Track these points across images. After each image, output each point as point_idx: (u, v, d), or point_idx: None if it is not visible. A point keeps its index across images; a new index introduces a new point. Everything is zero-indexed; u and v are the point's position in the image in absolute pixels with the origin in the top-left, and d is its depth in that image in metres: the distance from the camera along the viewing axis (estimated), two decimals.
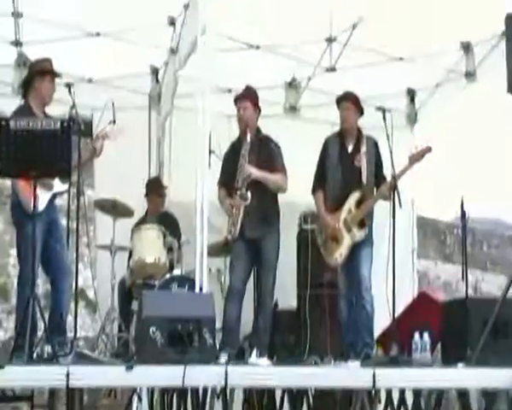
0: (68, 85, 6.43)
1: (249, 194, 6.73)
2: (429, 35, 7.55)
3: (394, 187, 6.44)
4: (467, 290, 6.38)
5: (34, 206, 5.96)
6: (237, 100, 7.04)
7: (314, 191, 7.05)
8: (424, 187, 9.24)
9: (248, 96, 7.01)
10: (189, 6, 7.11)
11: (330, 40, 7.88)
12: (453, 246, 14.91)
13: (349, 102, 6.96)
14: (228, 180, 6.97)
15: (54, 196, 6.49)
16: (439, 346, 6.64)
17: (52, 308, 6.48)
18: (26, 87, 6.71)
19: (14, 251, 11.53)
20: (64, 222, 6.86)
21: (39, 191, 6.23)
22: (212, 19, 6.58)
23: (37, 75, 6.58)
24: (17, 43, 7.86)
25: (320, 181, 7.02)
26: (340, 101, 7.02)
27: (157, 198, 8.17)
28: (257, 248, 6.85)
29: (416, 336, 6.32)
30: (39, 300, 5.87)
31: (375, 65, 8.09)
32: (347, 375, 5.76)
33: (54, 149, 5.81)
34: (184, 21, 7.31)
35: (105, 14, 7.51)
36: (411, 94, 8.95)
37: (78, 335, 6.19)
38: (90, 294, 10.68)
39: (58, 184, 6.41)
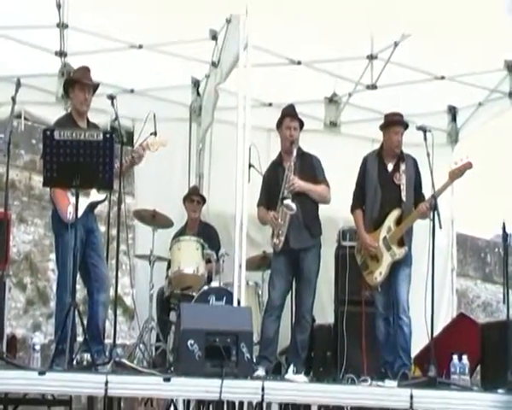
0: (111, 97, 6.50)
1: (294, 204, 6.75)
2: (472, 54, 7.53)
3: (435, 207, 6.40)
4: (508, 312, 6.27)
5: (76, 215, 6.06)
6: (288, 118, 7.07)
7: (353, 210, 7.07)
8: (464, 204, 9.19)
9: (297, 116, 7.08)
10: (231, 20, 7.15)
11: (371, 57, 7.87)
12: (494, 265, 14.69)
13: (403, 127, 6.94)
14: (269, 199, 7.02)
15: (91, 206, 6.56)
16: (478, 368, 6.57)
17: (89, 318, 6.56)
18: (66, 97, 6.85)
19: (53, 256, 11.71)
20: (103, 230, 6.92)
21: (74, 201, 6.34)
22: (253, 33, 6.61)
23: (68, 85, 6.76)
24: (61, 54, 7.95)
25: (359, 200, 7.03)
26: (396, 125, 6.95)
27: (194, 205, 8.17)
28: (298, 262, 6.89)
29: (455, 358, 6.26)
30: (79, 307, 5.95)
31: (417, 83, 8.09)
32: (384, 394, 5.74)
33: (96, 159, 5.87)
34: (226, 36, 7.35)
35: (148, 27, 7.58)
36: (453, 112, 8.90)
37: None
38: (127, 301, 10.78)
39: (95, 194, 6.49)
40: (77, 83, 6.66)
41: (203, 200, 8.27)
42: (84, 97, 6.61)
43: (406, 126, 6.99)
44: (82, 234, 6.44)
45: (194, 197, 8.21)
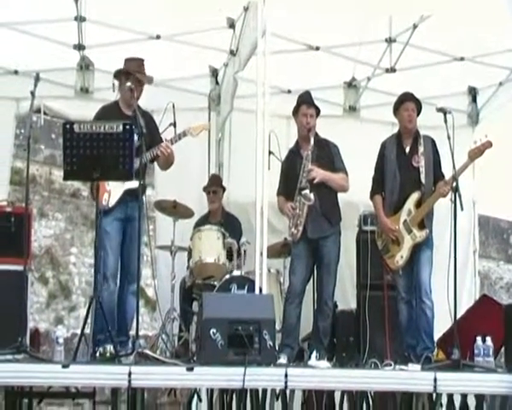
0: (130, 89, 6.53)
1: (312, 195, 6.74)
2: (491, 33, 7.46)
3: (456, 189, 6.36)
4: None
5: (97, 203, 6.17)
6: (305, 105, 7.03)
7: (372, 196, 7.04)
8: (486, 186, 9.11)
9: (313, 103, 7.05)
10: (248, 8, 7.12)
11: (390, 40, 7.81)
12: None
13: (413, 102, 6.94)
14: (288, 188, 7.00)
15: (130, 193, 6.52)
16: (502, 350, 6.53)
17: (118, 307, 6.60)
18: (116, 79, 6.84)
19: (74, 249, 11.79)
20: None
21: (112, 187, 6.41)
22: (271, 20, 6.57)
23: (118, 75, 6.75)
24: (80, 47, 7.98)
25: (378, 185, 7.01)
26: (405, 101, 6.96)
27: (210, 196, 8.15)
28: (318, 249, 6.87)
29: (479, 340, 6.20)
30: (101, 299, 5.97)
31: (436, 65, 8.02)
32: (408, 378, 5.73)
33: (116, 151, 5.88)
34: (244, 23, 7.32)
35: (165, 17, 7.57)
36: (473, 93, 8.83)
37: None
38: (149, 292, 10.82)
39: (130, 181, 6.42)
40: (131, 76, 6.66)
41: (222, 189, 8.25)
42: (135, 89, 6.57)
43: (419, 105, 6.96)
44: (119, 222, 6.56)
45: (211, 188, 8.18)
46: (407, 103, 6.94)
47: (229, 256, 7.53)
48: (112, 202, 6.55)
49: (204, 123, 7.09)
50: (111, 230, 6.51)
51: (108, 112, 6.63)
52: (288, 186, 7.00)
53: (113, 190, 6.54)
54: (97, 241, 6.12)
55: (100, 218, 6.22)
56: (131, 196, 6.49)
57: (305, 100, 7.07)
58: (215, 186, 8.21)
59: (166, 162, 6.89)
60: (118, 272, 6.66)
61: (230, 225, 7.89)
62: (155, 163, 7.12)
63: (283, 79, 8.15)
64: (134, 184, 6.37)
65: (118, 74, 6.79)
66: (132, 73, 6.67)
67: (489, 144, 6.58)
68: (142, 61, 6.82)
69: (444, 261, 6.44)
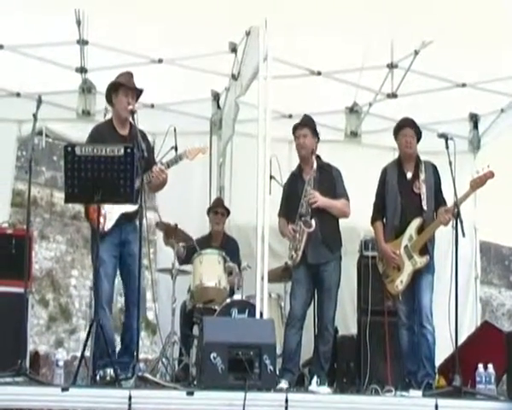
0: (132, 112, 6.52)
1: (313, 221, 6.74)
2: (492, 60, 7.48)
3: (457, 215, 6.36)
4: None
5: (98, 228, 6.13)
6: (296, 128, 7.10)
7: (373, 222, 7.06)
8: (487, 212, 9.12)
9: (306, 124, 7.07)
10: (250, 33, 7.16)
11: (392, 66, 7.84)
12: None
13: (411, 128, 6.96)
14: (289, 211, 7.01)
15: (125, 217, 6.51)
16: (504, 378, 6.50)
17: (123, 330, 6.61)
18: (109, 104, 6.83)
19: (75, 272, 11.78)
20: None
21: (107, 211, 6.38)
22: (273, 45, 6.60)
23: (111, 90, 6.71)
24: (82, 70, 8.01)
25: (379, 212, 7.03)
26: (403, 127, 7.00)
27: (217, 217, 8.17)
28: (318, 274, 6.88)
29: (480, 367, 6.20)
30: (101, 323, 5.94)
31: (438, 91, 8.04)
32: (409, 405, 5.70)
33: (117, 174, 5.88)
34: (246, 48, 7.36)
35: (167, 41, 7.61)
36: (474, 120, 8.85)
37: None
38: (150, 316, 10.79)
39: (126, 205, 6.38)
40: (121, 87, 6.64)
41: (227, 212, 8.26)
42: (128, 102, 6.56)
43: (418, 131, 6.99)
44: (114, 247, 6.50)
45: (218, 209, 8.21)
46: (405, 129, 6.98)
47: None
48: (108, 226, 6.49)
49: (201, 146, 7.03)
50: (106, 255, 6.40)
51: (102, 132, 6.59)
52: (290, 209, 7.01)
53: (109, 214, 6.48)
54: (97, 263, 6.11)
55: (97, 241, 6.20)
56: (127, 220, 6.49)
57: (297, 124, 7.12)
58: (221, 208, 8.22)
59: (159, 185, 6.85)
60: (113, 299, 6.61)
61: (230, 248, 7.88)
62: None
63: (285, 103, 8.17)
64: (130, 207, 6.37)
65: (110, 90, 6.72)
66: (125, 84, 6.64)
67: (491, 175, 6.60)
68: (131, 74, 6.80)
69: (445, 287, 6.44)
